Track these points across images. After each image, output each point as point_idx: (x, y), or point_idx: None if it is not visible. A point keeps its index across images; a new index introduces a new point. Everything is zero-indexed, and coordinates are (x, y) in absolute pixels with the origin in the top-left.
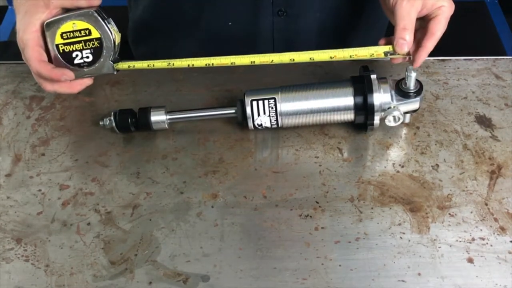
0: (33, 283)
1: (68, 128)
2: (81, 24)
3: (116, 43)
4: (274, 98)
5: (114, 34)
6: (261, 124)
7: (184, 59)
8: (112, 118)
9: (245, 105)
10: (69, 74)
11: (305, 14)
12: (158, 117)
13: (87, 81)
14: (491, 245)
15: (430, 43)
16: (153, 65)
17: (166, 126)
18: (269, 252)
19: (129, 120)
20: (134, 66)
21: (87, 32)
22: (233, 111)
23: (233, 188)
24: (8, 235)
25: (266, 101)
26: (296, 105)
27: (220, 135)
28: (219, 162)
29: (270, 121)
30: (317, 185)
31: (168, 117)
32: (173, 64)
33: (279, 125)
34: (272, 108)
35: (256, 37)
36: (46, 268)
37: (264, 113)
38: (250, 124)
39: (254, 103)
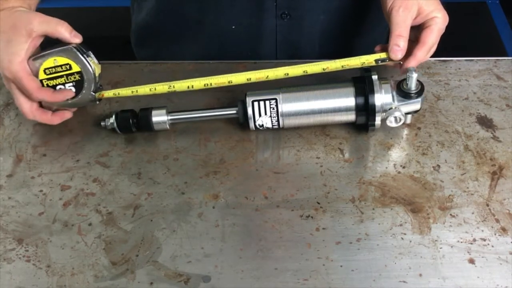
0: (34, 283)
1: (70, 129)
2: (61, 60)
3: (96, 75)
4: (275, 99)
5: (94, 67)
6: (262, 125)
7: (183, 81)
8: (113, 118)
9: (246, 106)
10: (69, 93)
11: (308, 16)
12: (159, 118)
13: (67, 115)
14: (492, 246)
15: (421, 52)
16: (137, 91)
17: (168, 126)
18: (270, 253)
19: (131, 121)
20: (119, 94)
21: (68, 67)
22: (234, 111)
23: (234, 188)
24: (9, 236)
25: (267, 102)
26: (297, 106)
27: (221, 136)
28: (220, 162)
29: (271, 121)
30: (318, 185)
31: (170, 117)
32: (173, 87)
33: (280, 126)
34: (273, 108)
35: (259, 40)
36: (47, 268)
37: (265, 113)
38: (251, 125)
39: (256, 103)
